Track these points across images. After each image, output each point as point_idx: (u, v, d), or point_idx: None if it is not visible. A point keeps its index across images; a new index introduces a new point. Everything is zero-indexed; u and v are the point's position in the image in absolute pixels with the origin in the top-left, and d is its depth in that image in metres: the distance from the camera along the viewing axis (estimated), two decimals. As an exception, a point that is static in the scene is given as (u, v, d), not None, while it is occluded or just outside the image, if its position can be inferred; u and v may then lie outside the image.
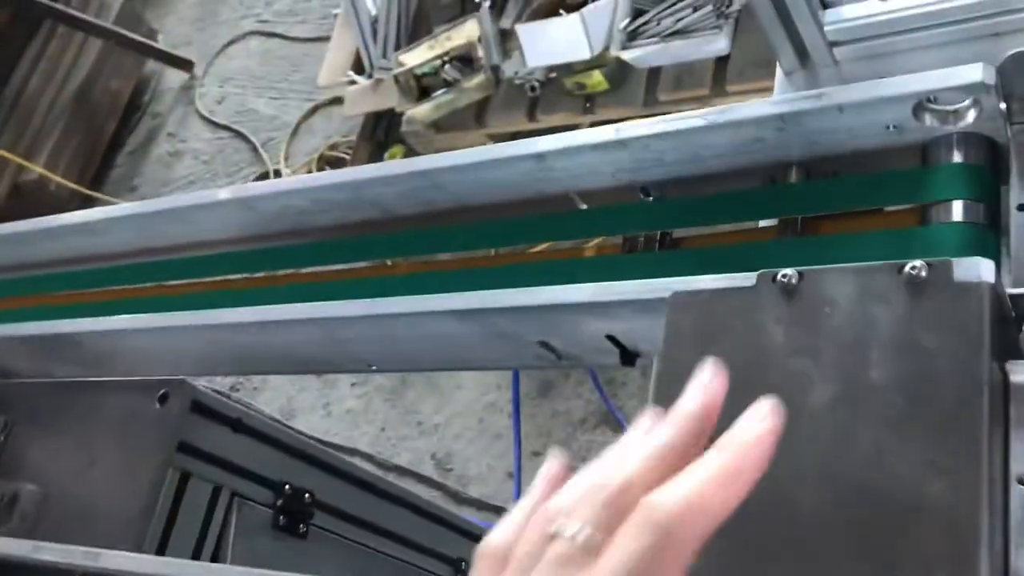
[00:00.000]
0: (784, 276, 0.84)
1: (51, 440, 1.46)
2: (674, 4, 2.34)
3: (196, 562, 1.41)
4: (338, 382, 3.03)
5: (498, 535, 0.55)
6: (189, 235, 1.45)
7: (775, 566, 0.74)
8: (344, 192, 1.22)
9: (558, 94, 2.75)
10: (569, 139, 1.04)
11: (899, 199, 0.89)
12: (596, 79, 2.59)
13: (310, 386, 3.06)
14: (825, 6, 1.02)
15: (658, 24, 2.36)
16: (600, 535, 0.49)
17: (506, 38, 2.77)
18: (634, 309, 0.95)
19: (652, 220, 1.03)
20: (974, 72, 0.82)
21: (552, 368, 1.14)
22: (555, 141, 1.05)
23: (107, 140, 4.51)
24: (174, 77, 4.68)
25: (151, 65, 4.73)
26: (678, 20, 2.33)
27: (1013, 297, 0.80)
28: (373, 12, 3.00)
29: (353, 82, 3.10)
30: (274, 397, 3.12)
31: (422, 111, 2.80)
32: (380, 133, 3.26)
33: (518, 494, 2.42)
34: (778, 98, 0.93)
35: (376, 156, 3.19)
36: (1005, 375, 0.77)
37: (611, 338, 1.02)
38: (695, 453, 0.55)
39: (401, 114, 2.97)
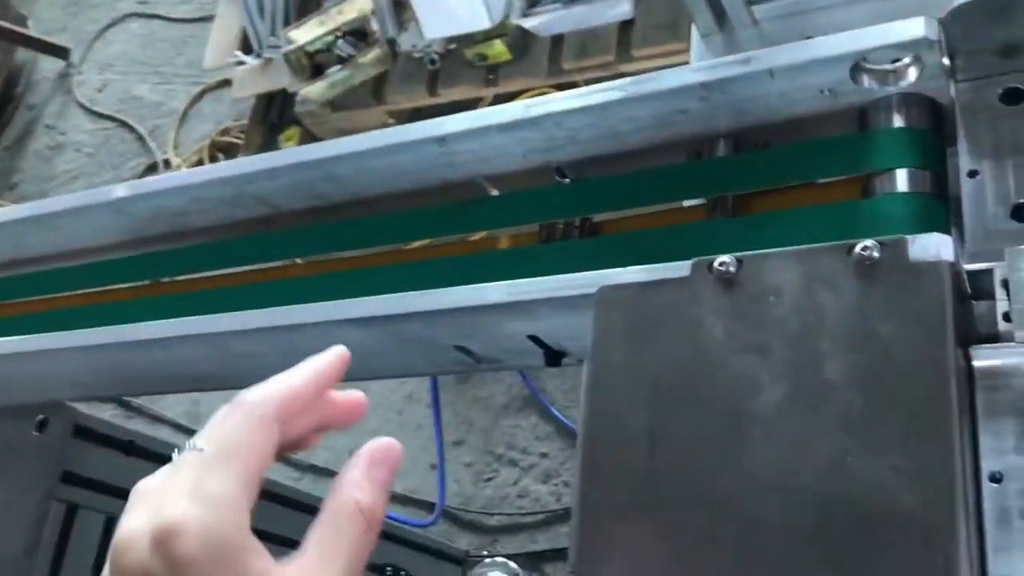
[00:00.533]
0: (721, 264, 0.75)
1: (-85, 483, 1.31)
2: (574, -33, 2.24)
3: (89, 606, 1.28)
4: (246, 381, 2.87)
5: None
6: (57, 244, 1.30)
7: (733, 590, 0.66)
8: (225, 188, 1.09)
9: (459, 66, 2.64)
10: (474, 119, 0.94)
11: (837, 169, 0.81)
12: (498, 49, 2.48)
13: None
14: (742, -40, 0.93)
15: (559, -11, 2.26)
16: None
17: (401, 9, 2.63)
18: (557, 307, 0.85)
19: (570, 205, 0.94)
20: (915, 27, 0.75)
21: (473, 371, 1.04)
22: (458, 122, 0.94)
23: (-21, 136, 4.21)
24: (49, 65, 4.38)
25: (22, 54, 4.42)
26: (579, -16, 2.23)
27: (971, 274, 0.73)
28: (258, -13, 2.82)
29: (241, 63, 2.92)
30: (177, 400, 2.95)
31: (316, 90, 2.65)
32: (273, 115, 3.09)
33: (442, 486, 2.33)
34: (700, 65, 0.84)
35: (270, 139, 3.03)
36: (969, 362, 0.70)
37: (533, 338, 0.93)
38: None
39: (294, 94, 2.82)
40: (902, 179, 0.78)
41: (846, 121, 0.83)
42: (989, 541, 0.65)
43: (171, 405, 2.94)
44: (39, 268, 1.33)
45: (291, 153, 1.05)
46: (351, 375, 1.12)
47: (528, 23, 2.30)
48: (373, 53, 2.60)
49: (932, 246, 0.68)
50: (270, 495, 1.75)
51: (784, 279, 0.73)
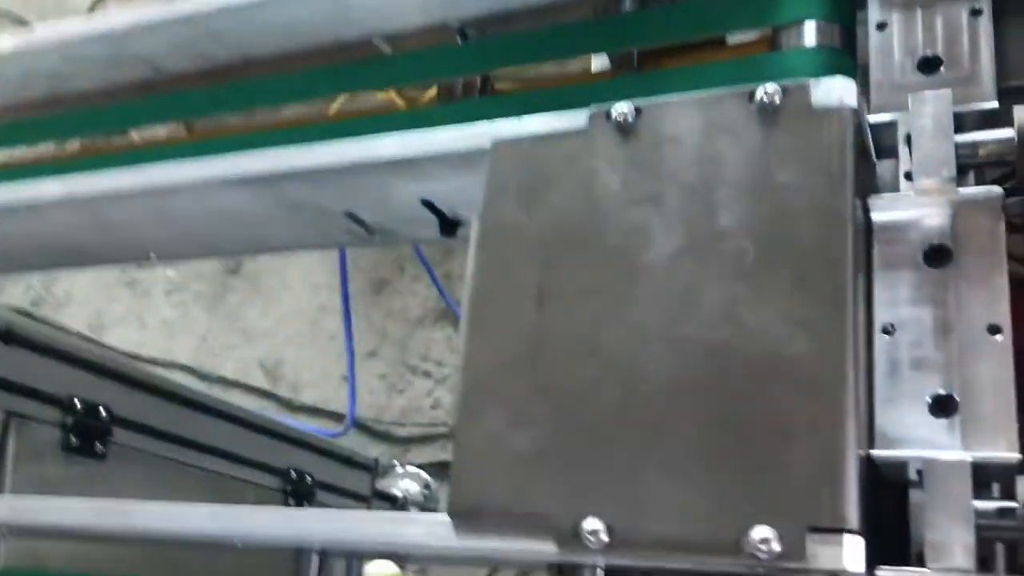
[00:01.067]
0: (620, 113, 0.71)
1: None
2: None
3: (-39, 495, 1.21)
4: (152, 291, 2.78)
5: None
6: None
7: (619, 446, 0.64)
8: (102, 46, 1.01)
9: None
10: (367, -32, 0.88)
11: (745, 22, 0.78)
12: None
13: (120, 296, 2.79)
14: None
15: None
16: None
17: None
18: (450, 164, 0.80)
19: (469, 62, 0.89)
20: None
21: (365, 244, 0.99)
22: (352, -30, 0.88)
23: None
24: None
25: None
26: None
27: (874, 127, 0.71)
28: None
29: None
30: (81, 312, 2.84)
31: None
32: None
33: (352, 396, 2.29)
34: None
35: None
36: (867, 214, 0.68)
37: (427, 204, 0.88)
38: None
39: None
40: (810, 32, 0.75)
41: (756, -26, 0.79)
42: (877, 392, 0.64)
43: (74, 316, 2.83)
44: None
45: (170, 8, 0.97)
46: (238, 247, 1.06)
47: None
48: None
49: (835, 91, 0.65)
50: (184, 400, 1.69)
51: (683, 127, 0.69)
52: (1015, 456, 0.59)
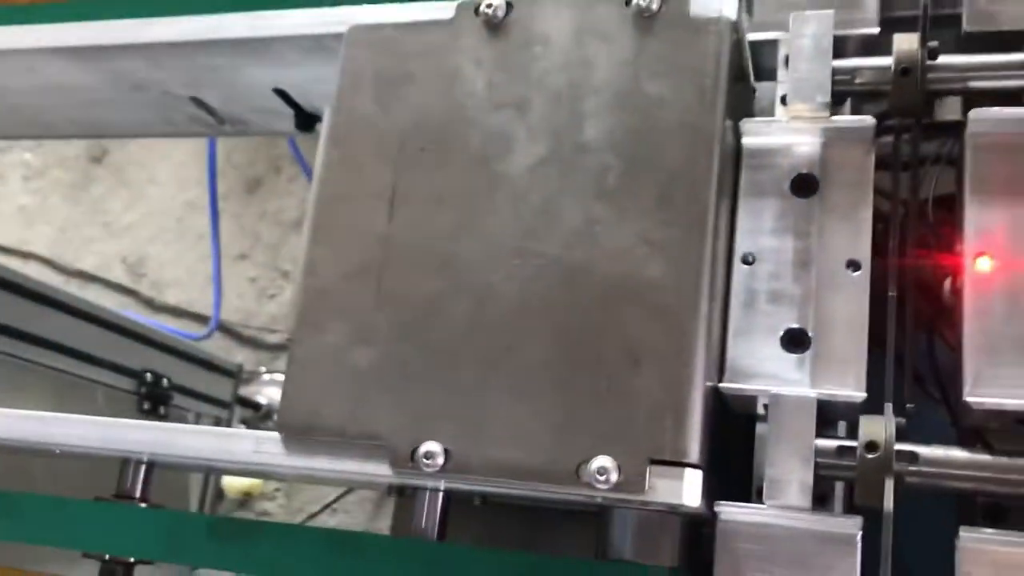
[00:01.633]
0: (489, 6, 0.65)
1: None
2: None
3: None
4: (8, 175, 2.58)
5: None
6: None
7: (464, 367, 0.60)
8: None
9: None
10: None
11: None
12: None
13: (-29, 180, 2.59)
14: None
15: None
16: None
17: None
18: (305, 50, 0.73)
19: (335, -58, 0.80)
20: None
21: (216, 134, 0.91)
22: None
23: None
24: None
25: None
26: None
27: (754, 47, 0.67)
28: None
29: None
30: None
31: None
32: None
33: (218, 299, 2.20)
34: None
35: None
36: (738, 138, 0.65)
37: (281, 93, 0.81)
38: None
39: None
40: (697, -61, 0.70)
41: None
42: (732, 324, 0.62)
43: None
44: None
45: None
46: (76, 129, 0.97)
47: None
48: None
49: (715, 1, 0.61)
50: (28, 292, 1.59)
51: (555, 27, 0.64)
52: (861, 395, 0.58)
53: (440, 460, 0.58)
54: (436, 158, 0.64)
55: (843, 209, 0.62)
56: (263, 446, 0.64)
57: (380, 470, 0.60)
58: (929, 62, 0.62)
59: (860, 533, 0.56)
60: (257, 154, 2.35)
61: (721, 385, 0.60)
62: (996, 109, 0.60)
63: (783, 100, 0.67)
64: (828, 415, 0.62)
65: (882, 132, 0.65)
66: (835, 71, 0.63)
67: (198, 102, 0.83)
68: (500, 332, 0.60)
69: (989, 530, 0.55)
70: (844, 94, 0.66)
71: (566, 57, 0.63)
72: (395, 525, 0.84)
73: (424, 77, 0.66)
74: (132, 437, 0.69)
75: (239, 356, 2.23)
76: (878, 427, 0.57)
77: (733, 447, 0.68)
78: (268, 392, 2.08)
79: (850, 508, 0.60)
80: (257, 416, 2.04)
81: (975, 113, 0.60)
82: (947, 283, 0.64)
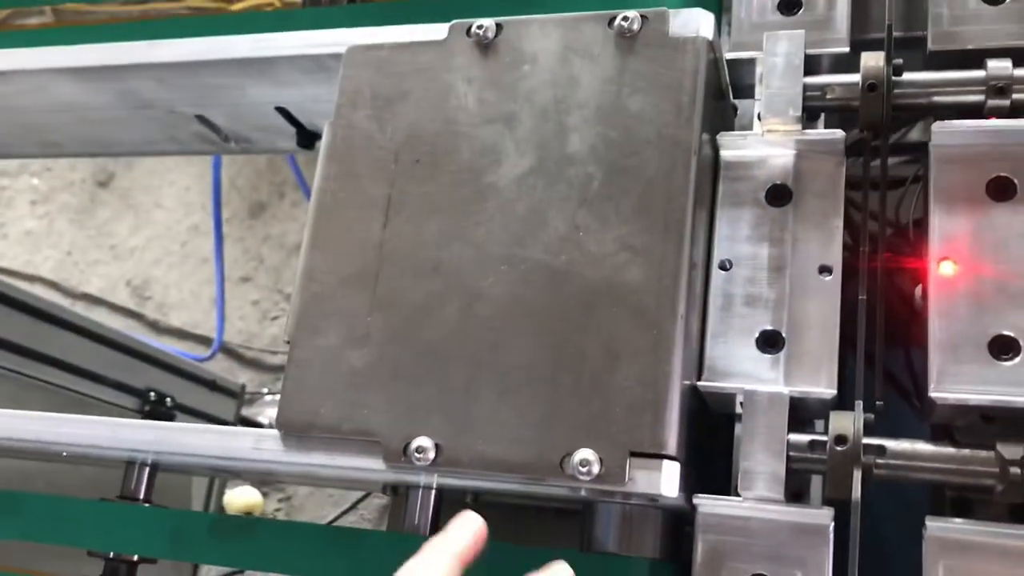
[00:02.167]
0: (480, 27, 0.69)
1: None
2: None
3: None
4: (15, 200, 2.62)
5: None
6: None
7: (454, 366, 0.63)
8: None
9: None
10: None
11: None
12: None
13: (-21, 205, 2.63)
14: None
15: None
16: None
17: None
18: (305, 69, 0.77)
19: (336, -32, 0.85)
20: None
21: (220, 152, 0.94)
22: None
23: None
24: None
25: None
26: None
27: (732, 65, 0.71)
28: None
29: None
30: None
31: None
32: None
33: (221, 321, 2.23)
34: None
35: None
36: (716, 150, 0.68)
37: (283, 111, 0.85)
38: None
39: None
40: (678, -36, 0.74)
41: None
42: (710, 326, 0.65)
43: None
44: None
45: None
46: (85, 147, 1.01)
47: None
48: None
49: (693, 21, 0.65)
50: (35, 311, 1.62)
51: (541, 47, 0.68)
52: (831, 392, 0.61)
53: (431, 455, 0.61)
54: (429, 170, 0.68)
55: (816, 218, 0.66)
56: (263, 443, 0.67)
57: (374, 465, 0.63)
58: (895, 78, 0.66)
59: (832, 524, 0.59)
60: (261, 179, 2.40)
61: (699, 383, 0.63)
62: (958, 122, 0.63)
63: (760, 116, 0.70)
64: (802, 414, 0.65)
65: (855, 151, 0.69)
66: (807, 87, 0.67)
67: (203, 120, 0.87)
68: (488, 333, 0.63)
69: (956, 520, 0.58)
70: (817, 109, 0.69)
71: (552, 75, 0.67)
72: (390, 524, 0.87)
73: (418, 94, 0.70)
74: (137, 436, 0.72)
75: (242, 377, 2.26)
76: (847, 421, 0.60)
77: (713, 448, 0.71)
78: (270, 413, 2.11)
79: (827, 503, 0.63)
80: (258, 436, 2.06)
81: (938, 126, 0.63)
82: (918, 290, 0.68)
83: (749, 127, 0.74)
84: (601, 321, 0.61)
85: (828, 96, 0.67)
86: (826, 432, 0.62)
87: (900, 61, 0.66)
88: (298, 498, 2.09)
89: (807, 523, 0.59)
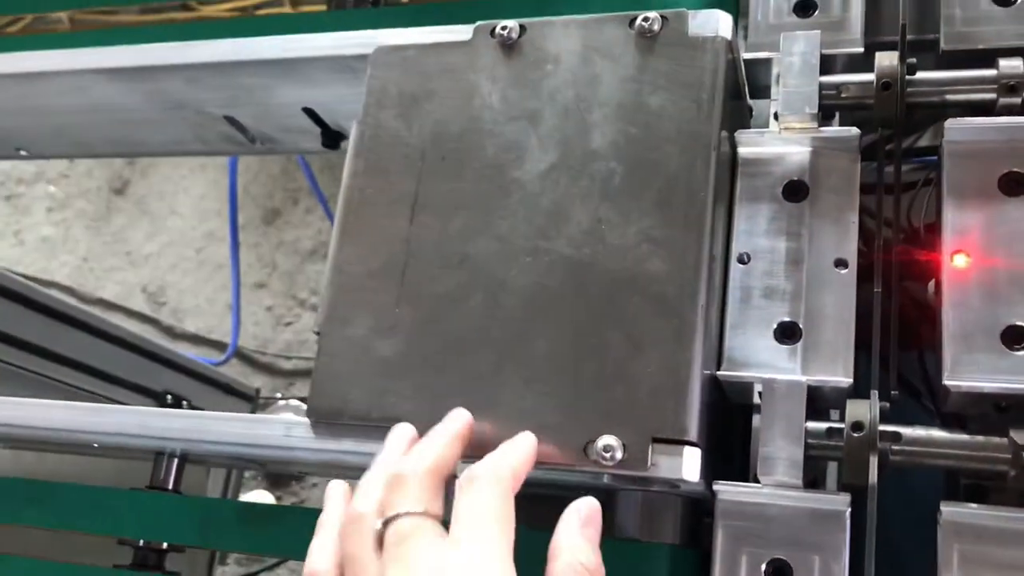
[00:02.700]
0: (504, 28, 0.71)
1: None
2: None
3: None
4: (32, 207, 2.66)
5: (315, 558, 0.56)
6: None
7: (479, 355, 0.65)
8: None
9: None
10: None
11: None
12: None
13: (-4, 211, 2.66)
14: None
15: None
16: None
17: None
18: (333, 70, 0.79)
19: (362, -28, 0.87)
20: None
21: (246, 152, 0.97)
22: None
23: None
24: None
25: None
26: None
27: (749, 65, 0.73)
28: None
29: None
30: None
31: None
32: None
33: (236, 326, 2.25)
34: None
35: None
36: (734, 148, 0.70)
37: (309, 112, 0.87)
38: None
39: None
40: (696, -33, 0.76)
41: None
42: (729, 318, 0.66)
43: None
44: None
45: None
46: (114, 147, 1.03)
47: None
48: None
49: (712, 21, 0.67)
50: (55, 313, 1.65)
51: (564, 47, 0.70)
52: (848, 380, 0.63)
53: (458, 441, 0.63)
54: (455, 166, 0.70)
55: (831, 212, 0.67)
56: (293, 431, 0.69)
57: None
58: (908, 77, 0.67)
59: (848, 510, 0.61)
60: (275, 185, 2.42)
61: (719, 373, 0.65)
62: (970, 119, 0.65)
63: (776, 115, 0.72)
64: (819, 404, 0.66)
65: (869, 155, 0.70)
66: (822, 86, 0.68)
67: (231, 120, 0.89)
68: (513, 323, 0.65)
69: (970, 504, 0.60)
70: (832, 108, 0.71)
71: (574, 74, 0.69)
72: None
73: (444, 93, 0.72)
74: (167, 425, 0.74)
75: (256, 382, 2.28)
76: (863, 409, 0.61)
77: (731, 440, 0.73)
78: (285, 417, 2.13)
79: (843, 489, 0.64)
80: (273, 439, 2.08)
81: (951, 123, 0.65)
82: (931, 285, 0.69)
83: (765, 126, 0.76)
84: (623, 311, 0.63)
85: (843, 95, 0.69)
86: (843, 420, 0.63)
87: (913, 60, 0.68)
88: (312, 502, 2.11)
89: (825, 509, 0.61)
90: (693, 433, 0.60)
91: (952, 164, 0.65)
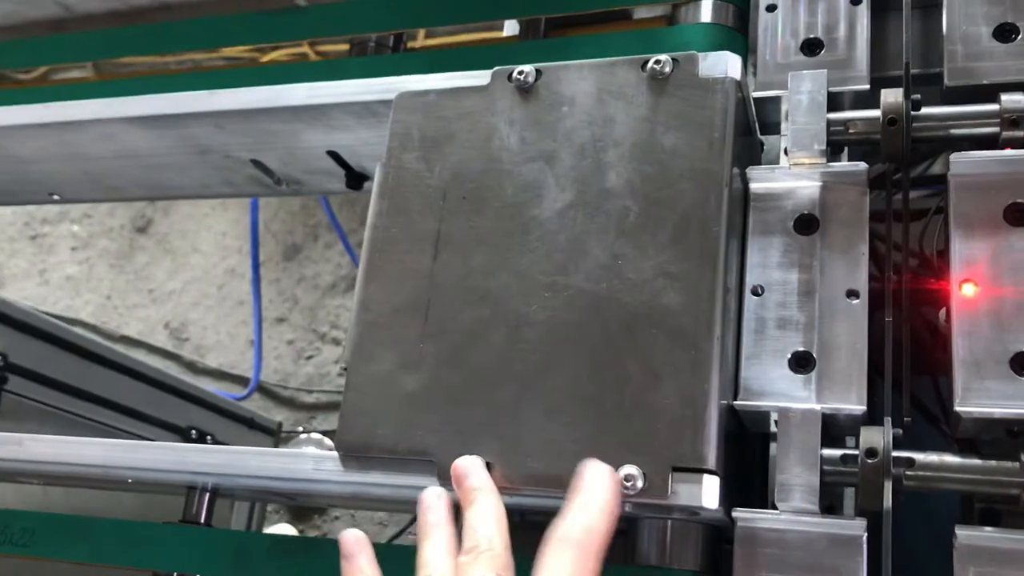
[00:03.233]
0: (520, 73, 0.74)
1: None
2: None
3: None
4: (56, 246, 2.71)
5: None
6: None
7: (503, 388, 0.67)
8: (9, -21, 1.00)
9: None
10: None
11: (647, -4, 0.81)
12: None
13: (22, 251, 2.72)
14: None
15: None
16: None
17: None
18: (357, 115, 0.82)
19: (383, 19, 0.90)
20: None
21: (272, 194, 1.00)
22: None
23: None
24: None
25: None
26: None
27: (759, 103, 0.75)
28: None
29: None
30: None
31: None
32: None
33: (258, 361, 2.28)
34: None
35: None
36: (746, 184, 0.72)
37: (333, 155, 0.90)
38: None
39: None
40: (706, 10, 0.79)
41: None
42: (744, 349, 0.68)
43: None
44: None
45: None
46: (144, 191, 1.06)
47: None
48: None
49: (721, 63, 0.69)
50: (83, 351, 1.68)
51: (579, 89, 0.73)
52: (861, 408, 0.64)
53: (483, 472, 0.65)
54: (475, 205, 0.72)
55: (842, 245, 0.69)
56: (323, 464, 0.71)
57: (429, 483, 0.67)
58: (913, 112, 0.70)
59: (865, 534, 0.62)
60: (295, 222, 2.46)
61: (736, 403, 0.67)
62: (974, 152, 0.67)
63: (786, 151, 0.75)
64: (834, 431, 0.68)
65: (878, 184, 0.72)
66: (830, 123, 0.71)
67: (258, 164, 0.92)
68: (534, 356, 0.67)
69: (985, 528, 0.61)
70: (840, 143, 0.74)
71: (589, 115, 0.72)
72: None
73: (464, 135, 0.75)
74: (203, 460, 0.76)
75: (278, 415, 2.31)
76: (877, 436, 0.63)
77: (749, 469, 0.74)
78: (313, 451, 2.15)
79: (859, 514, 0.66)
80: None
81: (956, 156, 0.67)
82: (942, 313, 0.71)
83: (775, 162, 0.78)
84: (641, 343, 0.65)
85: (851, 131, 0.71)
86: (857, 447, 0.65)
87: (918, 96, 0.70)
88: (334, 534, 2.12)
89: (842, 534, 0.62)
90: (712, 461, 0.62)
91: (958, 196, 0.67)
